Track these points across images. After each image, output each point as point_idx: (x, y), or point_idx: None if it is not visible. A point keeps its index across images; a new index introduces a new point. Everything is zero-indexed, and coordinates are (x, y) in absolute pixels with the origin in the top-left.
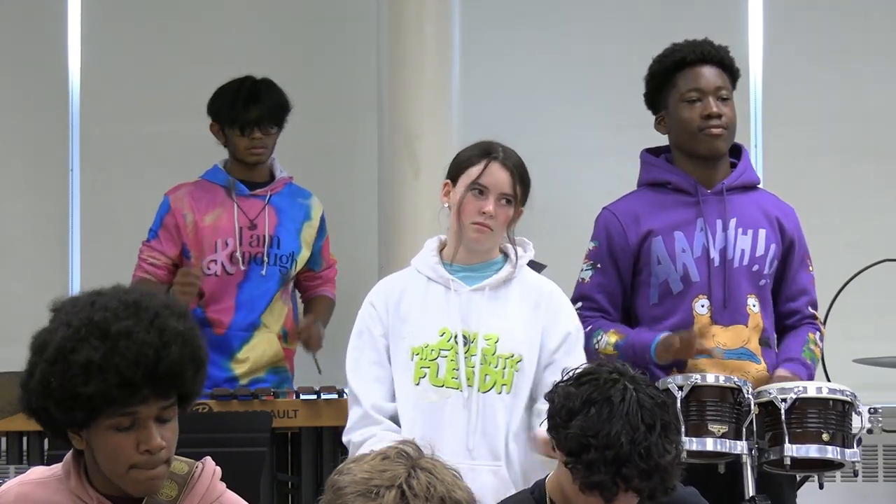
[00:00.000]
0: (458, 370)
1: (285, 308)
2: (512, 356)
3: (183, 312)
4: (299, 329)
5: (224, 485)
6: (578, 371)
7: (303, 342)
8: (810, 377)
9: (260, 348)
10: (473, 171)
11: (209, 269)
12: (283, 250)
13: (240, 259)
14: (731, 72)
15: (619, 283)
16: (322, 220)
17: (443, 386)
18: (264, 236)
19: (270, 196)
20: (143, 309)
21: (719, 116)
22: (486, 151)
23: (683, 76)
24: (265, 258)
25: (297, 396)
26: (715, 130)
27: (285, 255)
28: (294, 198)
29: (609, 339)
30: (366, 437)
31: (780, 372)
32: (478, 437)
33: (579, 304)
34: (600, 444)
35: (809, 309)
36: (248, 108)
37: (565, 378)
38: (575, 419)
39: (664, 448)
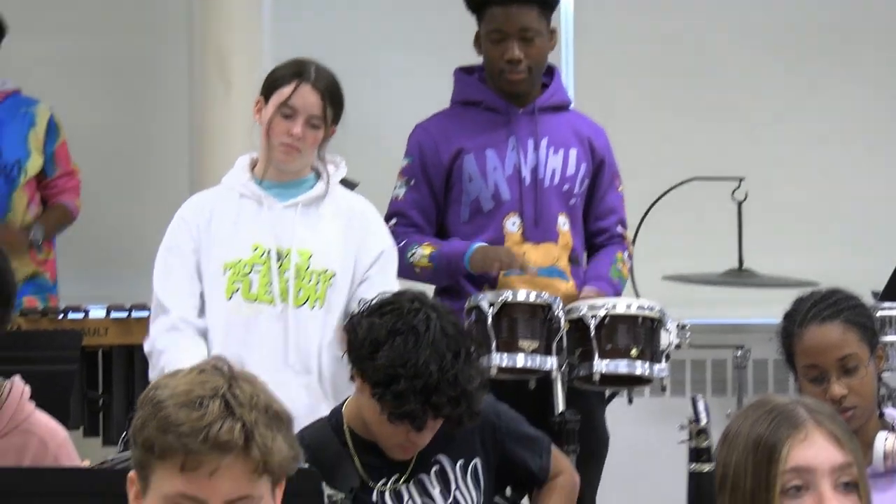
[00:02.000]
0: (270, 285)
1: (33, 219)
2: (325, 271)
3: None
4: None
5: (33, 404)
6: (376, 302)
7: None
8: (617, 295)
9: None
10: (284, 92)
11: None
12: (7, 158)
13: None
14: (546, 3)
15: (433, 199)
16: (51, 123)
17: (256, 301)
18: None
19: None
20: None
21: (520, 62)
22: (297, 72)
23: (491, 13)
24: None
25: (108, 314)
26: (514, 76)
27: (9, 163)
28: (17, 108)
29: (423, 251)
30: (169, 344)
31: (588, 290)
32: (291, 351)
33: (394, 220)
34: (409, 374)
35: (618, 228)
36: None
37: (362, 309)
38: (381, 350)
39: (470, 374)
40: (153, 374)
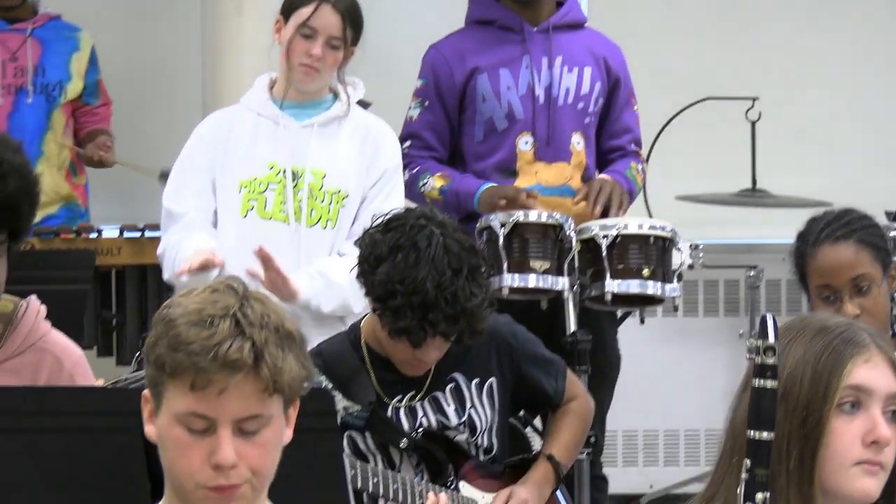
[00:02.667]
0: (285, 204)
1: (69, 142)
2: (338, 192)
3: (18, 147)
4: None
5: (49, 323)
6: (387, 217)
7: (91, 156)
8: (630, 192)
9: (43, 181)
10: (304, 13)
11: None
12: (50, 79)
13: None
14: None
15: (447, 120)
16: (93, 53)
17: (270, 219)
18: (27, 67)
19: (32, 30)
20: None
21: None
22: None
23: None
24: (29, 87)
25: (122, 234)
26: None
27: (52, 83)
28: (60, 31)
29: (435, 183)
30: (181, 237)
31: (602, 176)
32: (303, 268)
33: (408, 142)
34: (407, 290)
35: (632, 146)
36: None
37: (374, 224)
38: (382, 265)
39: (471, 292)
40: (167, 274)
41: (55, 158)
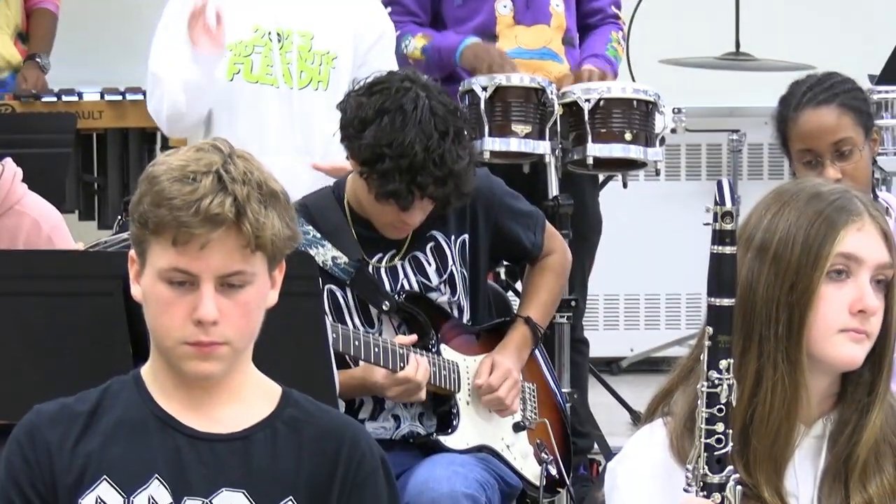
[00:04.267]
0: (272, 66)
1: (19, 8)
2: (328, 53)
3: None
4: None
5: (25, 186)
6: (370, 80)
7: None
8: (615, 74)
9: None
10: None
11: None
12: None
13: None
14: None
15: None
16: None
17: (257, 82)
18: None
19: None
20: None
21: None
22: None
23: None
24: None
25: (103, 97)
26: None
27: None
28: None
29: (417, 43)
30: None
31: (586, 67)
32: (296, 132)
33: (389, 8)
34: (395, 154)
35: (612, 9)
36: None
37: (356, 87)
38: (368, 129)
39: (458, 154)
40: (166, 127)
41: (5, 27)
